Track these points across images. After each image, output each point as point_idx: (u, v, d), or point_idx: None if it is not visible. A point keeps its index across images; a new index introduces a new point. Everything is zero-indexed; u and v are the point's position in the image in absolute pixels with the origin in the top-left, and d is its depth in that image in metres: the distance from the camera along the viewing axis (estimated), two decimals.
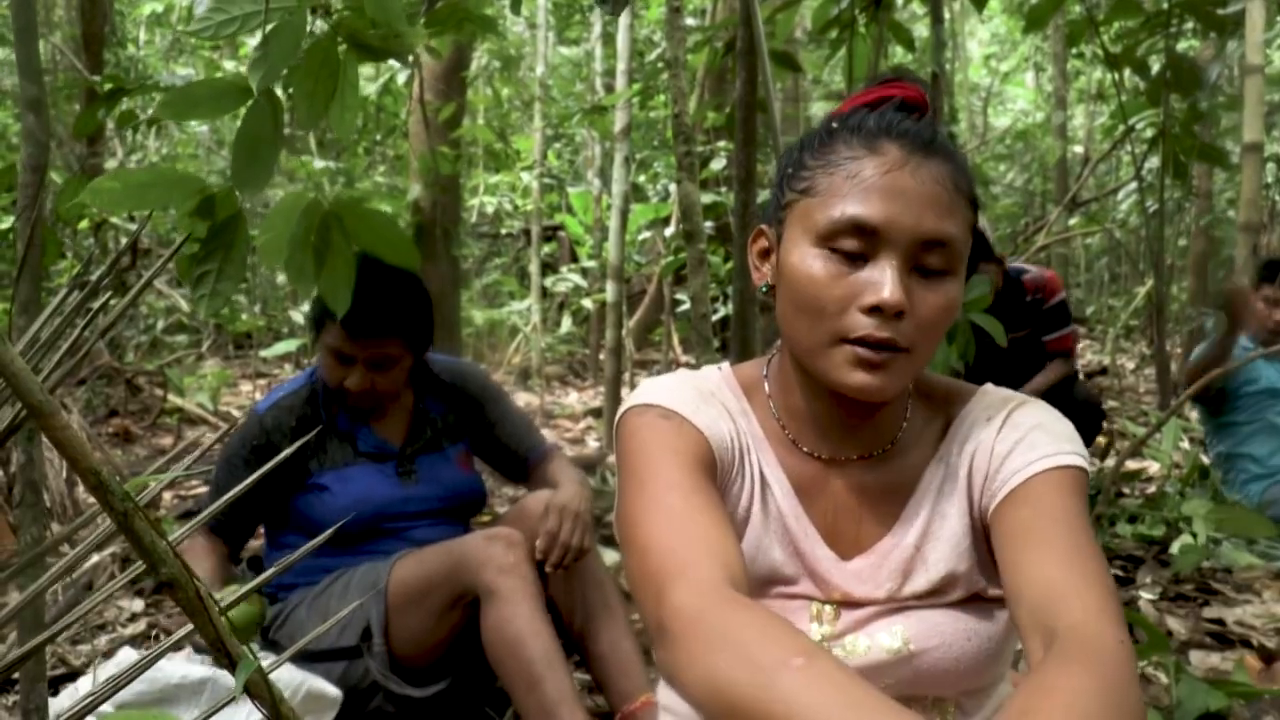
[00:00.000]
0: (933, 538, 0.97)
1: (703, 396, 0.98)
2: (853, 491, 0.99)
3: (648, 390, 0.98)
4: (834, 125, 0.94)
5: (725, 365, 1.07)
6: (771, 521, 0.98)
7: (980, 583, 0.97)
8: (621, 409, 0.98)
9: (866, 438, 0.99)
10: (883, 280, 0.86)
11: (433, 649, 1.84)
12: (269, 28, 1.50)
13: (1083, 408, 3.35)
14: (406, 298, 1.91)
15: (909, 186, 0.87)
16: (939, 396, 1.02)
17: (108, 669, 1.58)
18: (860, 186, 0.87)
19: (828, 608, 0.97)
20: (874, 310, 0.86)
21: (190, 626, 0.71)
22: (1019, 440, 0.93)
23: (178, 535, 0.72)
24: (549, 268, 8.12)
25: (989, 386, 1.02)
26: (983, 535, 0.96)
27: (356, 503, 1.91)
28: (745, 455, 0.99)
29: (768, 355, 1.05)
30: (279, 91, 1.62)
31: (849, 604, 0.97)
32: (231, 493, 0.78)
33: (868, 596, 0.96)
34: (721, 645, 0.72)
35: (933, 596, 0.96)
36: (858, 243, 0.87)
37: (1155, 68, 4.38)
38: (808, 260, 0.89)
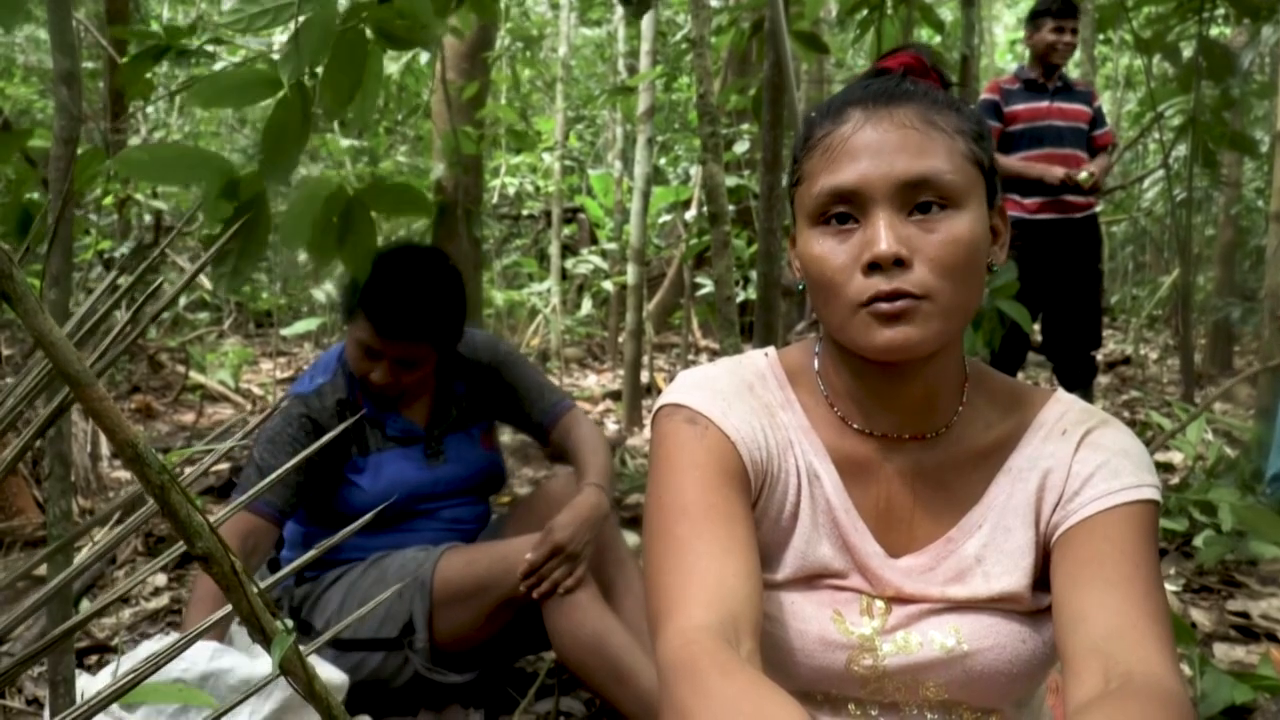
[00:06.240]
0: (995, 550, 0.94)
1: (738, 391, 0.96)
2: (906, 478, 0.96)
3: (681, 386, 0.96)
4: (811, 115, 0.96)
5: (771, 351, 1.04)
6: (820, 515, 0.96)
7: (1032, 597, 0.95)
8: (658, 402, 0.97)
9: (918, 414, 0.95)
10: (874, 235, 0.86)
11: (475, 642, 1.86)
12: (300, 20, 1.51)
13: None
14: (440, 302, 1.88)
15: (873, 139, 0.87)
16: (1003, 394, 0.99)
17: (136, 654, 1.59)
18: (831, 157, 0.89)
19: (878, 602, 0.95)
20: (874, 267, 0.86)
21: (226, 608, 0.71)
22: (1101, 464, 0.92)
23: (220, 515, 0.72)
24: (569, 250, 8.10)
25: (1061, 393, 0.99)
26: (1043, 552, 0.94)
27: (389, 489, 1.90)
28: (787, 451, 0.97)
29: (817, 336, 1.03)
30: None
31: (900, 599, 0.95)
32: (281, 469, 0.78)
33: (919, 593, 0.95)
34: (703, 711, 0.71)
35: (988, 603, 0.94)
36: (844, 210, 0.88)
37: (1186, 53, 4.31)
38: (810, 243, 0.91)
